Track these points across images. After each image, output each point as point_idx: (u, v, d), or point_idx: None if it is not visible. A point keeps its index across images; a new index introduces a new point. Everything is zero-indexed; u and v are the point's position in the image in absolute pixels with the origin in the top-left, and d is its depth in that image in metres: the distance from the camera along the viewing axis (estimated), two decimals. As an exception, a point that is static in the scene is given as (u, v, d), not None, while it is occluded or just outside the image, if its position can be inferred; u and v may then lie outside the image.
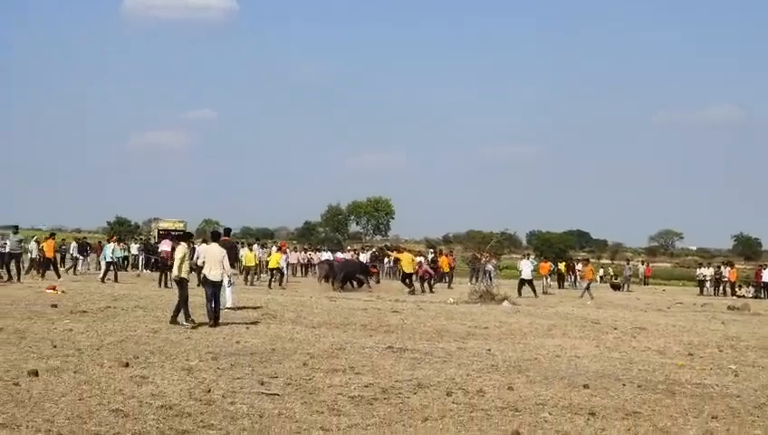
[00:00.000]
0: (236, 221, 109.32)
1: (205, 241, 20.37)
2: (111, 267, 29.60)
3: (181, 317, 15.00)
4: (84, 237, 44.30)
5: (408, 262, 31.94)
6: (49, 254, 29.84)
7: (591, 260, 63.89)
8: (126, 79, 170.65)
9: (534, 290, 32.06)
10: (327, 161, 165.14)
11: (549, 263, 41.02)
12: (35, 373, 9.11)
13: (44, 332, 13.02)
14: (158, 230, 44.50)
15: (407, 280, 31.49)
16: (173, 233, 41.34)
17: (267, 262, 32.72)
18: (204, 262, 15.51)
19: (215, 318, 14.97)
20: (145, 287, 26.01)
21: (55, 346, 11.45)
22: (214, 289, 15.19)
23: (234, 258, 19.29)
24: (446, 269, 37.06)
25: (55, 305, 17.29)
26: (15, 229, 29.02)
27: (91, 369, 9.77)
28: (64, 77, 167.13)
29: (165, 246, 27.71)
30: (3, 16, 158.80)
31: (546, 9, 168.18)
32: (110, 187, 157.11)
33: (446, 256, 38.76)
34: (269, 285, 29.95)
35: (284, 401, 8.49)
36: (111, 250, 29.81)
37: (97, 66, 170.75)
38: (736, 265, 49.00)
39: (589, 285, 33.34)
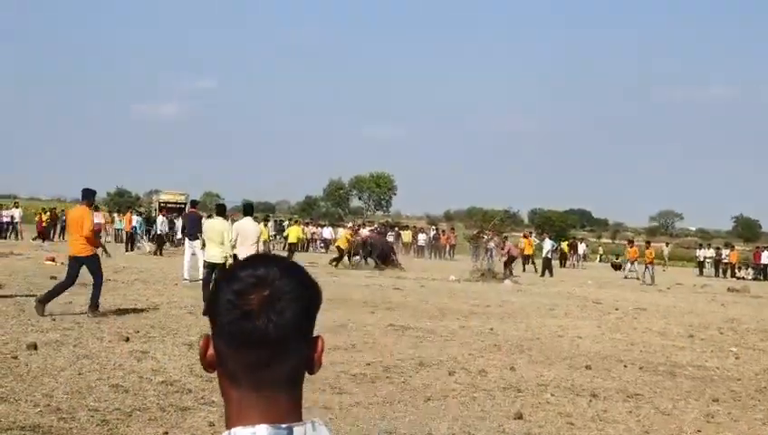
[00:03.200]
0: (237, 194, 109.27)
1: (210, 216, 19.60)
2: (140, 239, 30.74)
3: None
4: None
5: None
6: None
7: (591, 240, 63.82)
8: (127, 49, 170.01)
9: (550, 270, 32.69)
10: (330, 135, 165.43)
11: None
12: (34, 347, 9.04)
13: (44, 304, 12.95)
14: (159, 202, 44.41)
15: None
16: (171, 205, 41.41)
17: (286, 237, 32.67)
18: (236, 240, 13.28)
19: None
20: (146, 260, 25.97)
21: (54, 319, 11.38)
22: None
23: (199, 231, 18.20)
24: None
25: (55, 277, 17.20)
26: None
27: (91, 343, 9.71)
28: (65, 48, 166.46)
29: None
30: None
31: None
32: (111, 158, 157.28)
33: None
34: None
35: (285, 378, 8.43)
36: (139, 223, 31.09)
37: (99, 36, 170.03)
38: (736, 247, 48.97)
39: (633, 264, 33.08)
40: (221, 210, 14.77)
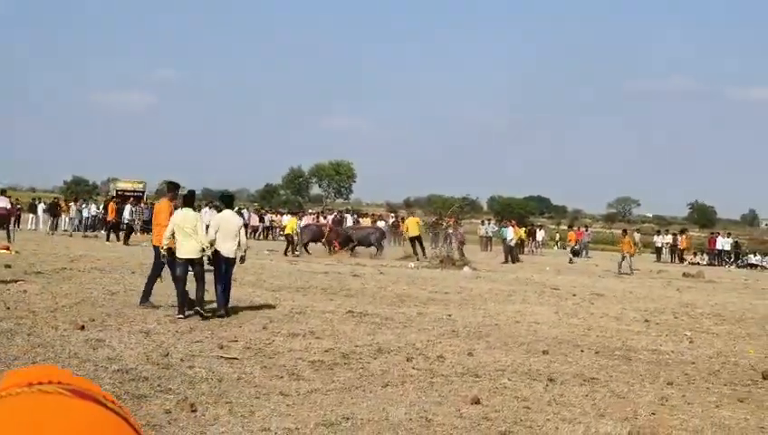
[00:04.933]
0: (197, 183, 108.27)
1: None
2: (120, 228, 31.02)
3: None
4: (56, 198, 43.54)
5: (414, 225, 31.70)
6: None
7: (551, 226, 64.32)
8: (87, 36, 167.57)
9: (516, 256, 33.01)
10: (289, 124, 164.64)
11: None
12: (-12, 336, 8.90)
13: (-2, 293, 12.74)
14: (117, 190, 43.85)
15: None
16: (128, 193, 40.94)
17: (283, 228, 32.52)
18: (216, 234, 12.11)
19: (225, 304, 12.00)
20: (102, 248, 25.65)
21: (8, 308, 11.19)
22: (227, 267, 12.23)
23: None
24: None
25: (9, 266, 16.95)
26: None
27: (46, 332, 9.57)
28: (24, 32, 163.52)
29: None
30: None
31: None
32: (67, 145, 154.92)
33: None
34: (285, 253, 29.27)
35: (244, 365, 8.41)
36: (129, 212, 31.31)
37: (57, 24, 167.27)
38: (690, 233, 49.77)
39: (624, 257, 29.83)
40: (189, 200, 12.73)
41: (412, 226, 31.53)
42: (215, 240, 11.97)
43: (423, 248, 29.99)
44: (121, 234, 31.36)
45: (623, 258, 29.61)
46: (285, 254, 28.92)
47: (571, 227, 39.11)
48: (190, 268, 11.85)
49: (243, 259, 12.73)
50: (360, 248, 30.66)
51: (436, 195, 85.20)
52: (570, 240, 45.10)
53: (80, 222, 39.55)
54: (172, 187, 13.44)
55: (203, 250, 11.75)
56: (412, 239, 30.77)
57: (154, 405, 6.61)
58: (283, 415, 6.57)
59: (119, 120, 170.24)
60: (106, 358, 8.30)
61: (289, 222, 31.74)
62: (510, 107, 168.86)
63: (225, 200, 13.58)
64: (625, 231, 34.06)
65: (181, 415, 6.36)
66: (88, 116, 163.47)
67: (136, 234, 31.67)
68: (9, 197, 30.33)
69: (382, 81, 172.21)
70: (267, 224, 45.51)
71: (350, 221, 40.24)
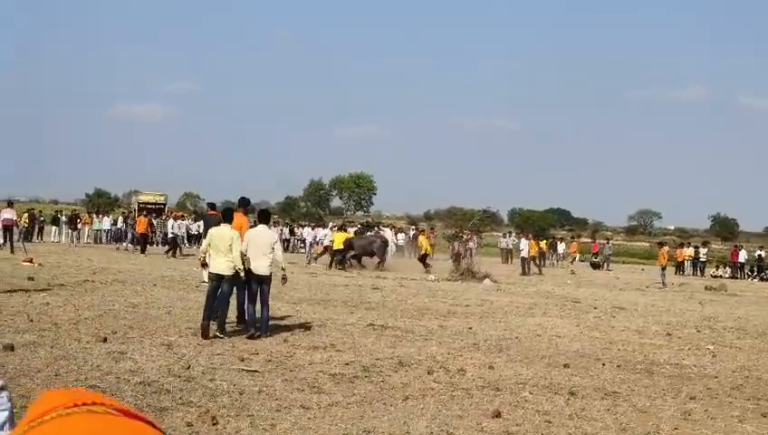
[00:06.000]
0: (217, 195, 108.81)
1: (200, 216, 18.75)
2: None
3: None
4: (75, 210, 43.73)
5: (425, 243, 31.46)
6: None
7: (571, 240, 64.04)
8: (107, 49, 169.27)
9: (528, 269, 32.74)
10: (309, 136, 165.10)
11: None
12: (11, 348, 8.96)
13: (21, 305, 12.82)
14: (138, 203, 44.13)
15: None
16: (150, 205, 41.27)
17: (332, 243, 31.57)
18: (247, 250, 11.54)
19: (261, 325, 11.39)
20: (124, 261, 25.82)
21: (32, 320, 11.29)
22: (261, 286, 11.61)
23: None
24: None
25: (32, 278, 17.09)
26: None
27: (68, 344, 9.65)
28: (44, 46, 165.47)
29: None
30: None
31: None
32: (89, 158, 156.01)
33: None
34: (330, 266, 28.85)
35: (264, 377, 8.44)
36: (171, 226, 31.66)
37: (77, 35, 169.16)
38: (714, 245, 49.38)
39: (662, 270, 29.22)
40: (265, 217, 12.66)
41: (423, 244, 31.41)
42: (247, 258, 11.44)
43: (426, 264, 29.80)
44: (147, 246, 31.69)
45: (664, 270, 29.30)
46: (330, 267, 28.69)
47: (573, 238, 38.80)
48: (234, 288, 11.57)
49: (284, 279, 12.09)
50: (366, 259, 30.43)
51: (456, 207, 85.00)
52: (572, 252, 44.53)
53: (106, 233, 40.23)
54: (242, 201, 13.53)
55: (235, 268, 11.27)
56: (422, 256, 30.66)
57: (176, 418, 6.63)
58: (304, 428, 6.58)
59: (138, 133, 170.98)
60: (128, 370, 8.34)
61: (336, 236, 30.82)
62: (530, 118, 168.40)
63: (260, 215, 12.79)
64: (661, 244, 33.46)
65: (203, 428, 6.39)
66: (108, 129, 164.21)
67: (181, 248, 31.92)
68: (13, 207, 30.30)
69: (404, 92, 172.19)
70: (303, 237, 43.80)
71: (388, 233, 39.09)
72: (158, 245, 34.25)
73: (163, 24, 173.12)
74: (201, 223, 24.25)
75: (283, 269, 11.92)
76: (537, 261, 35.69)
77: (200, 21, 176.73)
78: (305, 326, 12.50)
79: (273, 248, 11.63)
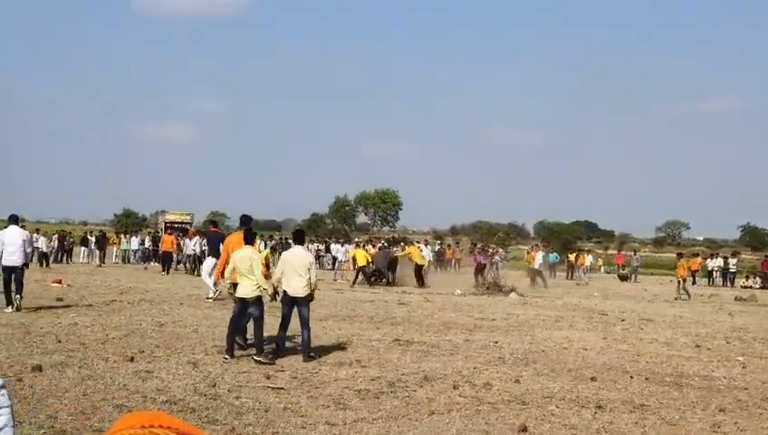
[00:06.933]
0: (243, 213, 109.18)
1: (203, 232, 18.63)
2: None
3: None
4: (101, 231, 44.05)
5: (416, 254, 31.20)
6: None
7: (598, 251, 63.45)
8: (133, 70, 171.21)
9: (540, 280, 32.22)
10: (335, 152, 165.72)
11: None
12: (39, 369, 9.05)
13: (49, 326, 12.96)
14: (165, 223, 44.49)
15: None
16: (176, 225, 41.62)
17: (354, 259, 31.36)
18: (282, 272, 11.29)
19: (303, 347, 11.13)
20: (151, 280, 25.99)
21: (60, 341, 11.40)
22: (298, 308, 11.22)
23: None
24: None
25: (61, 299, 17.27)
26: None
27: (96, 364, 9.73)
28: (71, 67, 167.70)
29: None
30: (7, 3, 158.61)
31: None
32: (117, 178, 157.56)
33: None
34: (353, 284, 28.59)
35: (290, 395, 8.45)
36: (192, 244, 32.12)
37: (104, 56, 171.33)
38: (743, 255, 48.75)
39: (683, 281, 28.73)
40: (300, 237, 12.34)
41: (415, 255, 30.88)
42: (280, 279, 11.22)
43: (421, 279, 29.34)
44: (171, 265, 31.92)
45: (684, 281, 28.98)
46: (353, 284, 28.43)
47: (579, 251, 38.29)
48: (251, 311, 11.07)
49: (311, 297, 11.40)
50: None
51: (483, 221, 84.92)
52: (580, 264, 43.66)
53: (134, 253, 40.73)
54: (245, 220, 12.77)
55: (258, 289, 10.95)
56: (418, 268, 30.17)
57: (201, 436, 6.65)
58: (329, 445, 6.58)
59: (165, 153, 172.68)
60: (155, 389, 8.39)
61: (358, 253, 30.68)
62: (555, 130, 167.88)
63: (295, 236, 12.67)
64: (680, 254, 33.06)
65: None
66: (136, 149, 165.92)
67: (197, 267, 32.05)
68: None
69: (429, 108, 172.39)
70: (336, 254, 42.89)
71: (426, 251, 37.99)
72: (179, 263, 34.51)
73: (189, 41, 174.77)
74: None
75: (312, 290, 11.31)
76: (554, 274, 35.21)
77: (226, 40, 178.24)
78: (331, 342, 12.51)
79: (309, 269, 11.25)
